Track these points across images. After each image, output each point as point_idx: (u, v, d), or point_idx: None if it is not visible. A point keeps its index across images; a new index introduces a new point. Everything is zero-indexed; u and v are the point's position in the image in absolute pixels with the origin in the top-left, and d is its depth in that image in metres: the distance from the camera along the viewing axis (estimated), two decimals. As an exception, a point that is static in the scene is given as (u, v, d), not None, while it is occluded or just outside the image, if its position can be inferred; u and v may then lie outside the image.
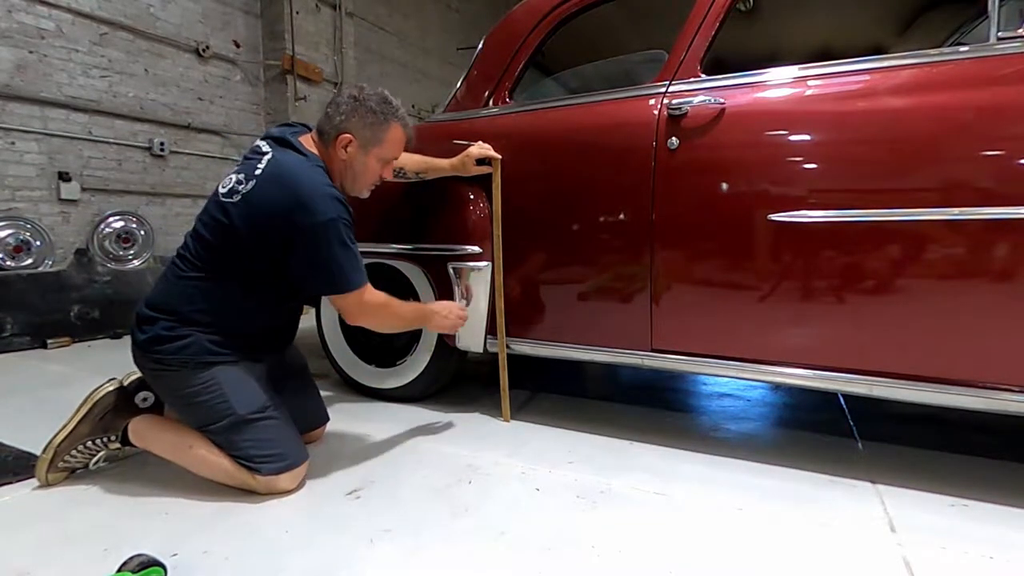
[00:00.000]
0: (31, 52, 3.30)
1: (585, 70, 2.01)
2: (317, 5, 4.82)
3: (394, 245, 1.87)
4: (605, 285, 1.62)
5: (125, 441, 1.38)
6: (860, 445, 1.62)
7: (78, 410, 1.34)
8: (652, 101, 1.56)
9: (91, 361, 2.65)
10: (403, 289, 1.91)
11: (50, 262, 3.30)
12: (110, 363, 2.59)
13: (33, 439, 1.53)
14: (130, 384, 1.43)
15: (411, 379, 1.93)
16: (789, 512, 1.22)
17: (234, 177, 1.32)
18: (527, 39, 1.83)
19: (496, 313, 1.74)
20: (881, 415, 1.89)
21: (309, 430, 1.55)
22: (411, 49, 6.24)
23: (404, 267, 1.89)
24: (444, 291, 1.80)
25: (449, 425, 1.76)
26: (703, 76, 1.53)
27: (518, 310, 1.76)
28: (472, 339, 1.78)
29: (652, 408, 1.95)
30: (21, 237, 3.20)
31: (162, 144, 3.96)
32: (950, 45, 1.90)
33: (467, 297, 1.76)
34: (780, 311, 1.40)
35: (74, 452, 1.32)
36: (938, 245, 1.24)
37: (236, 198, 1.28)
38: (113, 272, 3.41)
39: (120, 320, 3.27)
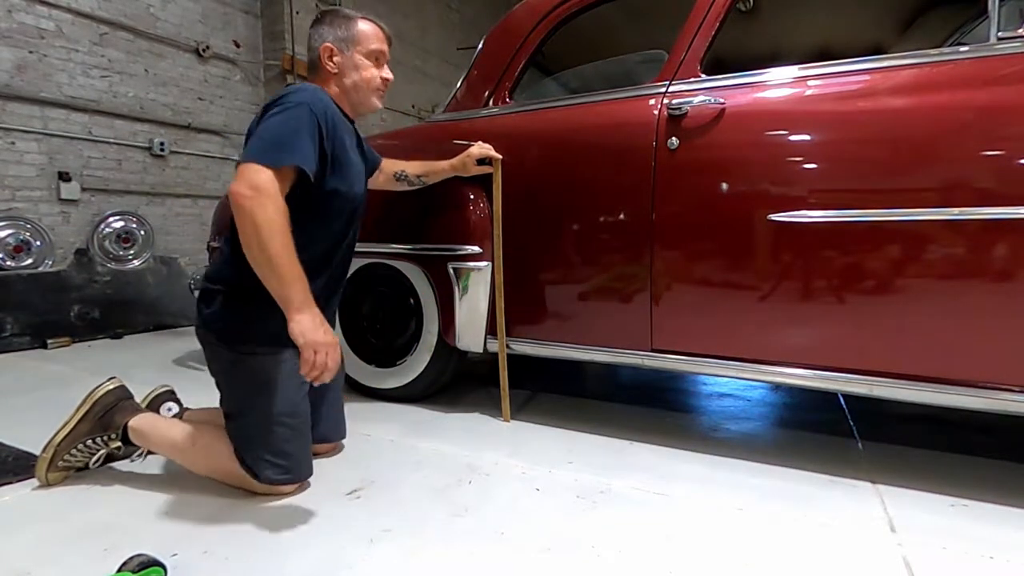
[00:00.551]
0: (31, 52, 3.30)
1: (585, 70, 2.01)
2: (317, 5, 4.82)
3: (394, 245, 1.87)
4: (605, 285, 1.62)
5: (125, 440, 1.37)
6: (860, 445, 1.62)
7: (78, 409, 1.34)
8: (652, 101, 1.56)
9: (91, 361, 2.65)
10: (403, 290, 1.91)
11: (50, 262, 3.30)
12: (110, 363, 2.59)
13: (33, 439, 1.53)
14: (152, 402, 1.47)
15: (411, 379, 1.93)
16: (789, 512, 1.22)
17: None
18: (527, 39, 1.83)
19: (496, 313, 1.74)
20: (881, 415, 1.89)
21: (322, 441, 1.48)
22: (410, 49, 6.24)
23: (404, 267, 1.89)
24: (444, 291, 1.80)
25: (449, 425, 1.76)
26: (703, 76, 1.53)
27: (518, 310, 1.76)
28: (472, 339, 1.78)
29: (652, 408, 1.95)
30: (21, 237, 3.20)
31: (162, 144, 3.96)
32: (950, 45, 1.90)
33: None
34: (780, 311, 1.40)
35: (74, 451, 1.32)
36: (938, 245, 1.24)
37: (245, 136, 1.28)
38: (113, 272, 3.41)
39: (120, 320, 3.26)
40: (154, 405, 1.47)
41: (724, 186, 1.44)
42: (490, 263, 1.74)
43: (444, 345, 1.85)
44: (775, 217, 1.37)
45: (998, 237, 1.18)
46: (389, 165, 1.71)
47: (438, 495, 1.29)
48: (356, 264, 1.88)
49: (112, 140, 3.71)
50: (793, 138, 1.39)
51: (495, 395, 1.84)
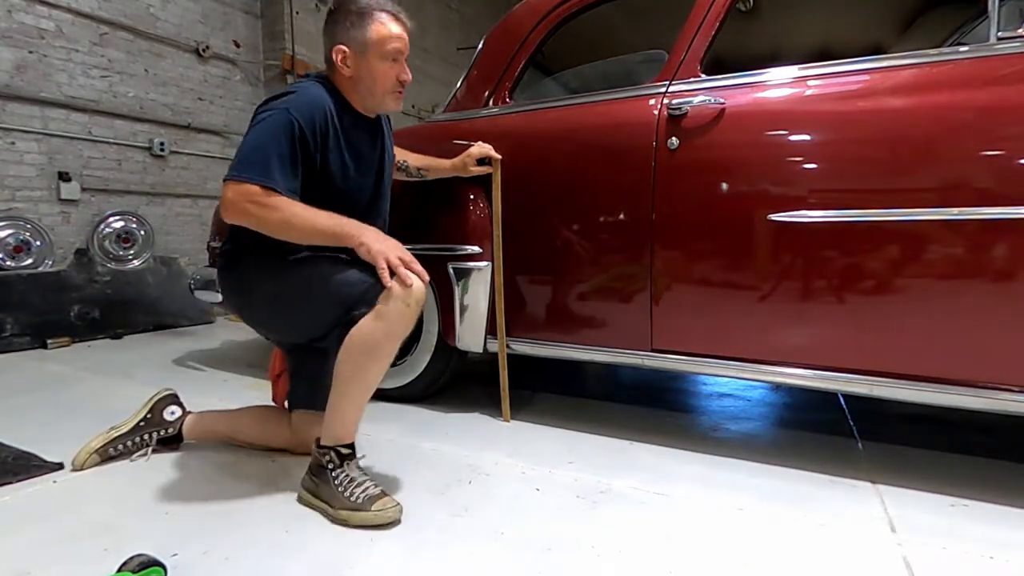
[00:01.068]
0: (31, 52, 3.29)
1: (585, 70, 2.01)
2: (317, 5, 4.81)
3: (394, 245, 1.86)
4: (605, 285, 1.62)
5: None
6: (860, 445, 1.62)
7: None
8: (652, 101, 1.56)
9: (91, 361, 2.64)
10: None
11: (50, 262, 3.30)
12: (110, 363, 2.59)
13: (33, 439, 1.53)
14: (155, 406, 1.49)
15: (411, 379, 1.92)
16: (789, 512, 1.22)
17: None
18: (527, 39, 1.83)
19: (496, 313, 1.73)
20: (881, 415, 1.89)
21: (308, 408, 1.43)
22: (411, 49, 6.23)
23: (404, 267, 1.89)
24: (444, 291, 1.80)
25: (449, 425, 1.76)
26: (703, 76, 1.53)
27: (518, 310, 1.76)
28: (472, 339, 1.78)
29: (652, 408, 1.95)
30: (21, 237, 3.19)
31: (162, 144, 3.96)
32: (950, 45, 1.90)
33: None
34: (780, 311, 1.40)
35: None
36: (938, 245, 1.24)
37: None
38: (113, 272, 3.40)
39: (120, 320, 3.26)
40: (157, 408, 1.47)
41: (724, 186, 1.44)
42: (490, 263, 1.74)
43: (444, 345, 1.85)
44: (775, 217, 1.37)
45: (998, 237, 1.18)
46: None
47: (438, 495, 1.29)
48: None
49: (112, 140, 3.70)
50: (793, 138, 1.39)
51: (495, 395, 1.84)
